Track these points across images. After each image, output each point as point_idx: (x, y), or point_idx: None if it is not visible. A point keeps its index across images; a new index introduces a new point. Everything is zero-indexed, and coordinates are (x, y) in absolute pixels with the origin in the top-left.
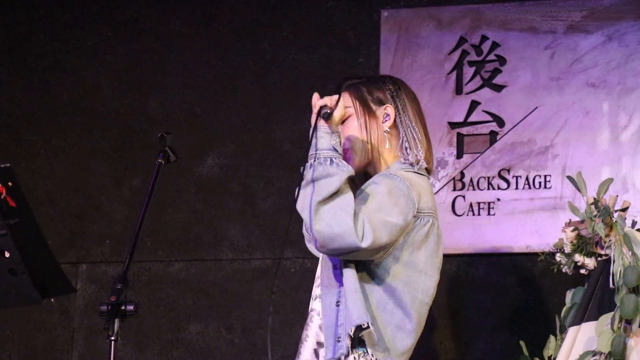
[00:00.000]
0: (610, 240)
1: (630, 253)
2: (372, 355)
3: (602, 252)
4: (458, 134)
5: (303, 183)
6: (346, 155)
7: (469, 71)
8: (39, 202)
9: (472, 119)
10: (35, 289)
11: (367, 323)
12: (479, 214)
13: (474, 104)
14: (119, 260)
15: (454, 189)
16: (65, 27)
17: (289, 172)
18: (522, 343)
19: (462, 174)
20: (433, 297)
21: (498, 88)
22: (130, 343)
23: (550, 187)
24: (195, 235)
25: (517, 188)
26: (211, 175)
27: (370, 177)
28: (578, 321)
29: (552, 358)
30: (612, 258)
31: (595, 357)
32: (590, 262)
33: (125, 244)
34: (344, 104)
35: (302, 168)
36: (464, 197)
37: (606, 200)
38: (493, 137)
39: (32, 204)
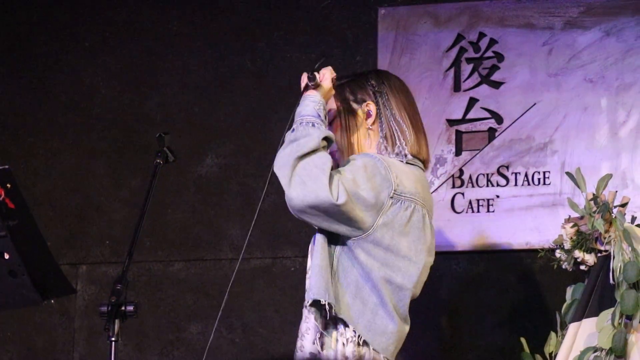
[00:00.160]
0: (609, 236)
1: (630, 249)
2: (355, 332)
3: (602, 248)
4: (456, 131)
5: (283, 145)
6: (334, 157)
7: (466, 68)
8: (38, 203)
9: (470, 116)
10: (35, 291)
11: (324, 300)
12: (478, 211)
13: (472, 101)
14: (118, 261)
15: (453, 186)
16: (64, 27)
17: None
18: (522, 340)
19: (461, 171)
20: (419, 286)
21: (496, 85)
22: (130, 343)
23: (549, 184)
24: (194, 235)
25: (516, 185)
26: (210, 175)
27: None
28: (579, 317)
29: (553, 354)
30: (612, 254)
31: (596, 354)
32: (590, 258)
33: (125, 244)
34: (330, 105)
35: (285, 135)
36: (463, 194)
37: (605, 196)
38: (492, 134)
39: (31, 205)
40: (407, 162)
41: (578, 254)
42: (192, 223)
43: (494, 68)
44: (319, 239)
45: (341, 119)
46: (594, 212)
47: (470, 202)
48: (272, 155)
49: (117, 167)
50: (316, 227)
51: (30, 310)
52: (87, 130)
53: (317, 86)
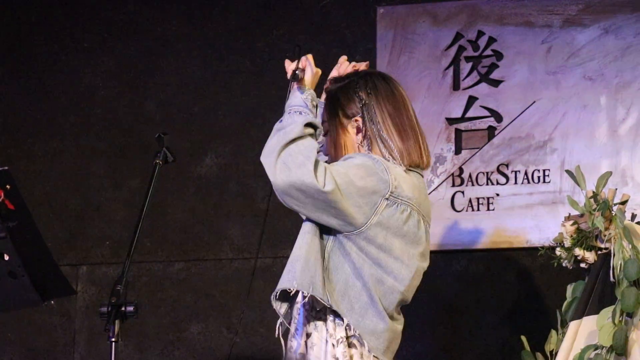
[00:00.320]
0: (610, 234)
1: (630, 246)
2: (349, 324)
3: (602, 246)
4: (456, 129)
5: (270, 135)
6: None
7: (466, 67)
8: (37, 204)
9: (469, 114)
10: (35, 292)
11: (292, 289)
12: (478, 210)
13: (472, 100)
14: (118, 262)
15: (453, 185)
16: (63, 28)
17: None
18: (523, 338)
19: (460, 169)
20: (411, 289)
21: (495, 83)
22: (131, 344)
23: (549, 182)
24: (195, 235)
25: (516, 183)
26: (210, 175)
27: None
28: (579, 315)
29: (553, 352)
30: (612, 251)
31: (597, 351)
32: (591, 256)
33: (125, 245)
34: (323, 116)
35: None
36: (463, 192)
37: (605, 194)
38: (491, 132)
39: (31, 206)
40: (405, 170)
41: (578, 251)
42: (192, 223)
43: (493, 66)
44: (308, 230)
45: (332, 134)
46: (594, 210)
47: (470, 201)
48: None
49: (116, 167)
50: (305, 219)
51: (30, 311)
52: (87, 131)
53: (296, 77)
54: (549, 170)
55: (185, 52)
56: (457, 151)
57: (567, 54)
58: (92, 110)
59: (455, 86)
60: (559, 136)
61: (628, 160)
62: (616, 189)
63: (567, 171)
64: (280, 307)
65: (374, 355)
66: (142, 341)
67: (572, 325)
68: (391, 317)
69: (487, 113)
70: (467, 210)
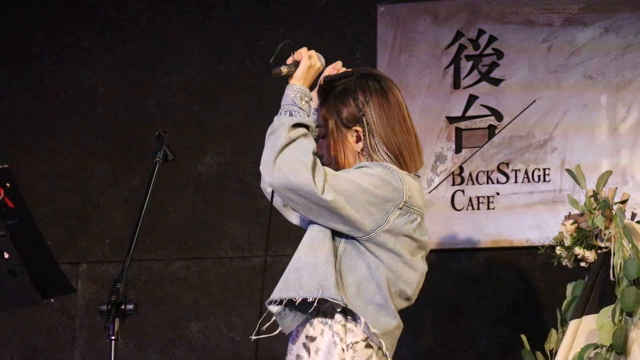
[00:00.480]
0: (610, 233)
1: (630, 245)
2: (367, 325)
3: (602, 245)
4: (456, 128)
5: (265, 142)
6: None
7: (466, 65)
8: (37, 203)
9: (470, 113)
10: (35, 290)
11: (297, 298)
12: (478, 209)
13: (472, 98)
14: (119, 260)
15: (453, 184)
16: (62, 27)
17: None
18: (523, 337)
19: (461, 168)
20: (416, 293)
21: (496, 82)
22: (131, 342)
23: (549, 181)
24: (194, 234)
25: (516, 182)
26: (210, 173)
27: None
28: (579, 314)
29: (553, 351)
30: (612, 251)
31: (596, 350)
32: (591, 255)
33: (125, 243)
34: (319, 119)
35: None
36: (463, 191)
37: (605, 193)
38: (491, 131)
39: (31, 205)
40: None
41: (578, 250)
42: (192, 221)
43: (494, 65)
44: (316, 234)
45: (330, 141)
46: (594, 209)
47: (470, 200)
48: None
49: (116, 166)
50: (311, 224)
51: (30, 309)
52: (87, 130)
53: (292, 72)
54: (549, 169)
55: (186, 51)
56: (458, 150)
57: (568, 53)
58: (92, 109)
59: (456, 85)
60: (560, 135)
61: (628, 159)
62: (616, 188)
63: (568, 170)
64: (282, 320)
65: (384, 355)
66: (142, 339)
67: (572, 324)
68: (399, 318)
69: (487, 112)
70: (467, 209)
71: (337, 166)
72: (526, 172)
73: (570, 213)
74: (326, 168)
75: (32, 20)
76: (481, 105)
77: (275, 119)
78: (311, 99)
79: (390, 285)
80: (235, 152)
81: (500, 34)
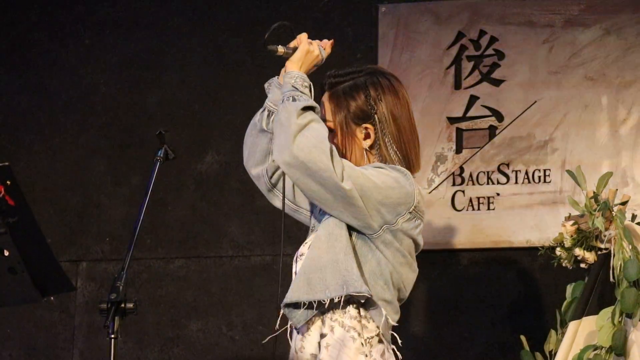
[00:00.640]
0: (610, 234)
1: (630, 247)
2: (387, 317)
3: (602, 246)
4: (457, 128)
5: (274, 131)
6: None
7: (467, 66)
8: (38, 201)
9: (471, 113)
10: (35, 288)
11: (326, 299)
12: (478, 209)
13: (473, 99)
14: (118, 258)
15: (454, 184)
16: (63, 26)
17: None
18: (522, 338)
19: (461, 168)
20: (407, 295)
21: (497, 82)
22: (130, 341)
23: (549, 182)
24: (195, 233)
25: (516, 182)
26: (210, 172)
27: None
28: (579, 315)
29: (553, 352)
30: (612, 252)
31: (596, 351)
32: (591, 256)
33: (125, 241)
34: (324, 111)
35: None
36: (463, 192)
37: (606, 194)
38: (492, 131)
39: (31, 203)
40: None
41: (578, 252)
42: (192, 220)
43: (495, 66)
44: (332, 229)
45: (338, 135)
46: (595, 210)
47: (470, 200)
48: None
49: (117, 164)
50: (324, 219)
51: (30, 307)
52: (87, 128)
53: (288, 56)
54: (549, 170)
55: (186, 50)
56: (458, 150)
57: (569, 54)
58: (93, 108)
59: (457, 85)
60: (560, 136)
61: (629, 161)
62: (617, 189)
63: (568, 171)
64: (292, 313)
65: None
66: (141, 338)
67: (572, 325)
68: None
69: (488, 112)
70: (467, 210)
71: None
72: (526, 173)
73: (570, 214)
74: (343, 160)
75: (33, 19)
76: (482, 105)
77: (280, 107)
78: (311, 85)
79: (395, 283)
80: (236, 151)
81: (502, 34)
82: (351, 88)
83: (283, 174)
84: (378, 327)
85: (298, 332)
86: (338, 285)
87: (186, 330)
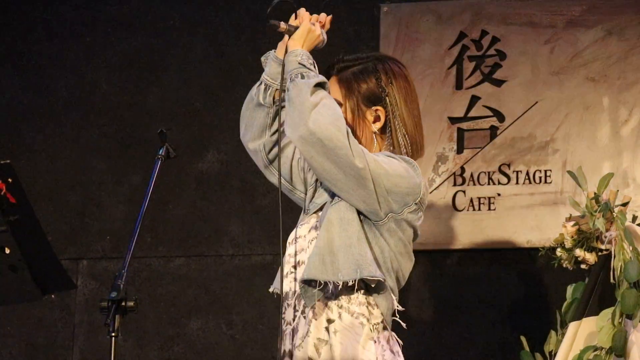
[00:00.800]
0: (610, 235)
1: (630, 248)
2: (394, 302)
3: (603, 247)
4: (458, 129)
5: (285, 108)
6: None
7: (469, 66)
8: (39, 198)
9: (472, 114)
10: (36, 286)
11: (339, 282)
12: (479, 209)
13: (474, 99)
14: (119, 256)
15: (455, 184)
16: (64, 24)
17: None
18: (522, 338)
19: (462, 169)
20: (403, 284)
21: (498, 83)
22: (131, 339)
23: (550, 182)
24: (195, 231)
25: (517, 183)
26: (211, 171)
27: None
28: (579, 316)
29: (552, 353)
30: (612, 253)
31: (596, 352)
32: (591, 257)
33: (126, 239)
34: (332, 95)
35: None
36: (464, 192)
37: (607, 195)
38: (493, 132)
39: (32, 201)
40: None
41: (579, 252)
42: (192, 219)
43: (496, 66)
44: (343, 214)
45: (347, 116)
46: (595, 211)
47: (471, 200)
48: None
49: (118, 162)
50: (331, 204)
51: (30, 305)
52: (88, 126)
53: (289, 33)
54: (550, 170)
55: (188, 48)
56: (459, 150)
57: (571, 55)
58: (94, 106)
59: (458, 85)
60: (561, 137)
61: (630, 162)
62: (617, 190)
63: (569, 172)
64: (307, 292)
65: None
66: (141, 336)
67: (572, 326)
68: None
69: (489, 113)
70: (468, 210)
71: None
72: (527, 174)
73: (571, 215)
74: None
75: (34, 17)
76: (483, 106)
77: (290, 85)
78: (315, 62)
79: (396, 272)
80: (237, 150)
81: (503, 35)
82: (361, 72)
83: (278, 155)
84: (382, 314)
85: (304, 317)
86: (351, 270)
87: (186, 328)
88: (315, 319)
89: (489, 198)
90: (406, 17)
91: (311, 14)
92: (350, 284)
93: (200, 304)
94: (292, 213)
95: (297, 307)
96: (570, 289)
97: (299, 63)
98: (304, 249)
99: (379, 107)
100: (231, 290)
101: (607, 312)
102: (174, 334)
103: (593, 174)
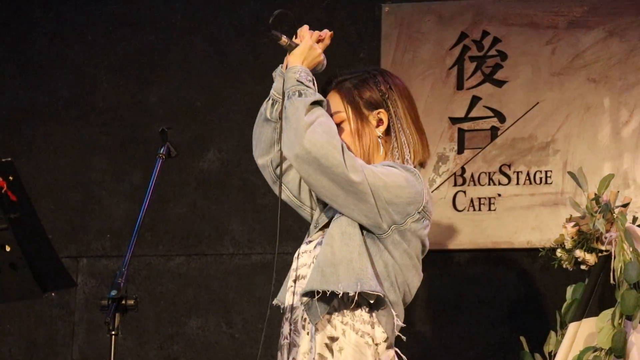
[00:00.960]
0: (610, 236)
1: (631, 249)
2: (398, 317)
3: (603, 248)
4: (459, 129)
5: (282, 125)
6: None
7: (470, 66)
8: (39, 197)
9: (473, 114)
10: (36, 283)
11: (339, 291)
12: (479, 210)
13: (475, 100)
14: (119, 255)
15: (455, 185)
16: (65, 22)
17: None
18: (522, 339)
19: (462, 169)
20: (411, 299)
21: (499, 83)
22: (130, 337)
23: (551, 183)
24: (195, 230)
25: (518, 183)
26: (212, 169)
27: None
28: (579, 317)
29: (552, 354)
30: (612, 254)
31: (595, 353)
32: (591, 258)
33: (126, 238)
34: (334, 106)
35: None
36: (464, 192)
37: (607, 196)
38: (494, 132)
39: (33, 198)
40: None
41: (579, 253)
42: (193, 218)
43: (497, 67)
44: (345, 228)
45: (350, 123)
46: (596, 212)
47: (471, 201)
48: None
49: (118, 161)
50: (334, 217)
51: (30, 303)
52: (89, 125)
53: (290, 48)
54: (551, 171)
55: (189, 47)
56: (460, 151)
57: (572, 56)
58: (95, 104)
59: (459, 86)
60: (562, 138)
61: (630, 163)
62: (618, 191)
63: (570, 173)
64: (311, 309)
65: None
66: (141, 335)
67: (572, 326)
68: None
69: (490, 113)
70: (468, 210)
71: (358, 151)
72: (528, 174)
73: (571, 216)
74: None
75: (35, 15)
76: (484, 106)
77: (287, 103)
78: (314, 79)
79: (401, 286)
80: (238, 149)
81: (505, 35)
82: (360, 81)
83: (280, 171)
84: (385, 332)
85: (307, 333)
86: (352, 282)
87: (186, 327)
88: (318, 335)
89: (490, 198)
90: (407, 17)
91: (314, 12)
92: (351, 294)
93: (200, 302)
94: (292, 212)
95: (293, 321)
96: (570, 290)
97: (297, 80)
98: (306, 264)
99: (381, 110)
100: (231, 289)
101: (607, 313)
102: (173, 333)
103: (593, 175)
